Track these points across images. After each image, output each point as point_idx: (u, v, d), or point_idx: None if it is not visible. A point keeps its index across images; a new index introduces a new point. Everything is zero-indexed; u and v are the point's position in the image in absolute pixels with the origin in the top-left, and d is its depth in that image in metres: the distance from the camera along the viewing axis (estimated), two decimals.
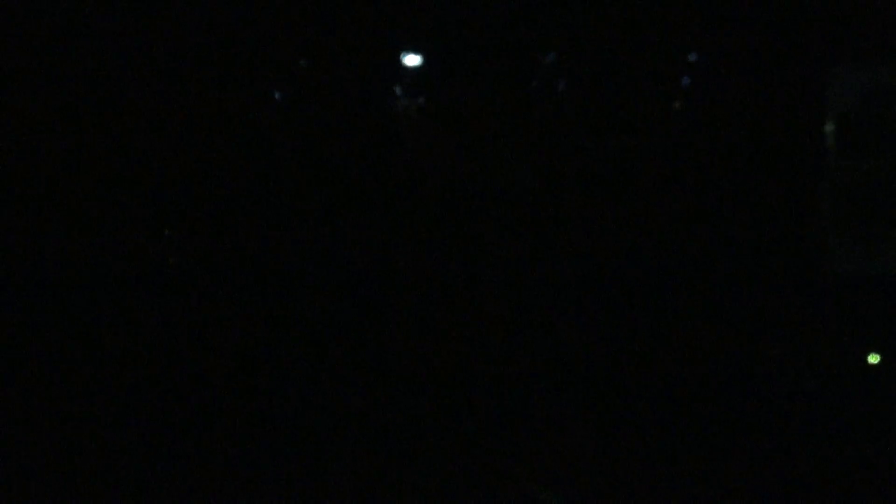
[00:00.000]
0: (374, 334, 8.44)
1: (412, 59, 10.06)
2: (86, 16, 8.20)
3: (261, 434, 7.52)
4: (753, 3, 7.93)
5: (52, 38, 8.36)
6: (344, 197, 9.40)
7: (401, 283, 8.61)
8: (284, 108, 9.61)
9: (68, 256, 8.20)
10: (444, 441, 7.60)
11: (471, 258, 8.84)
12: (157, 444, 7.37)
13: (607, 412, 8.70)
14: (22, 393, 7.86)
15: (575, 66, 9.85)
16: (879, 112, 7.29)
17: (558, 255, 8.73)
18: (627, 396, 8.91)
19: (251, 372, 8.25)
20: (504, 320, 8.72)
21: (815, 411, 7.52)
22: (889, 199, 7.27)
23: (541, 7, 9.50)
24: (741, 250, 9.63)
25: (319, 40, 9.80)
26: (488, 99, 10.13)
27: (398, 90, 10.24)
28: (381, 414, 8.05)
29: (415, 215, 8.86)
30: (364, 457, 7.37)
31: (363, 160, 9.77)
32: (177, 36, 8.64)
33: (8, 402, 7.78)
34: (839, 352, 7.28)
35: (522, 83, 9.98)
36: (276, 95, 9.65)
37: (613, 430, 7.98)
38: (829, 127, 7.36)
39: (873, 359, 7.18)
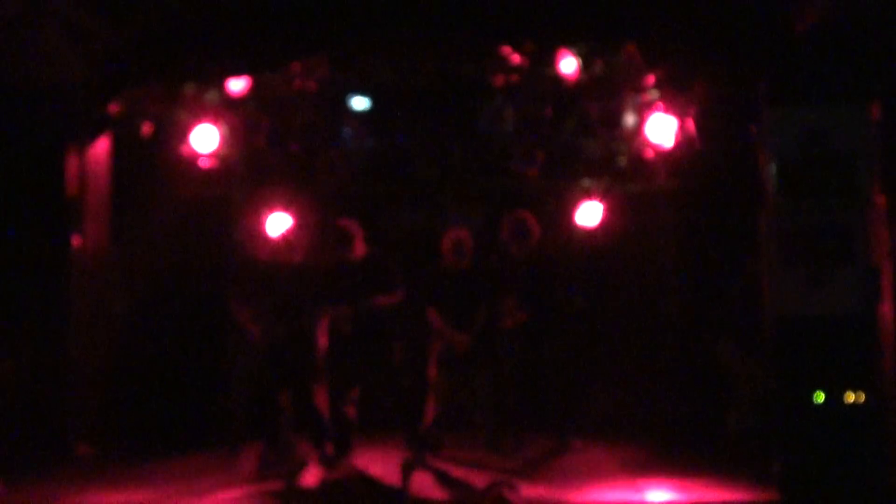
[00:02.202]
0: None
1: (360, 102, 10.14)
2: None
3: None
4: (697, 46, 8.04)
5: None
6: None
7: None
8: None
9: None
10: None
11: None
12: None
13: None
14: None
15: (526, 111, 9.98)
16: (819, 154, 7.39)
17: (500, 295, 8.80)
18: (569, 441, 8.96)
19: None
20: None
21: (763, 447, 7.59)
22: (830, 240, 7.34)
23: (490, 51, 9.59)
24: (687, 292, 9.72)
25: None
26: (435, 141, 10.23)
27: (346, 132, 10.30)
28: None
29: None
30: None
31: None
32: None
33: None
34: (784, 390, 7.32)
35: (470, 124, 10.08)
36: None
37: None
38: (771, 170, 7.44)
39: (818, 397, 7.22)
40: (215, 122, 9.73)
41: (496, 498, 5.91)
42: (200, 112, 9.73)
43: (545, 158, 9.89)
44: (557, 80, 9.60)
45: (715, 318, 8.78)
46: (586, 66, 9.49)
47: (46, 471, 8.27)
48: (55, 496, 7.59)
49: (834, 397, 7.19)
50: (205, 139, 9.69)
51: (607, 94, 9.61)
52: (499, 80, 9.75)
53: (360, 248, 8.51)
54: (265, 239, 9.16)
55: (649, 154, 9.58)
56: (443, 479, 7.89)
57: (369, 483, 7.91)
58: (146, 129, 9.81)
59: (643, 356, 9.85)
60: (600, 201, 9.78)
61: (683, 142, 9.26)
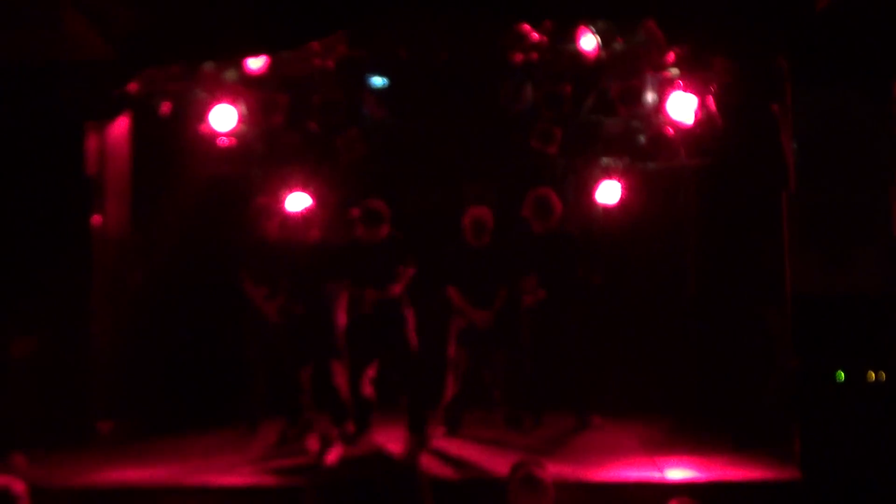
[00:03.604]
0: None
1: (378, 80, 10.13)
2: None
3: None
4: (717, 22, 7.98)
5: None
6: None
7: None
8: None
9: None
10: None
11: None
12: None
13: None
14: None
15: (545, 88, 9.92)
16: (840, 133, 7.35)
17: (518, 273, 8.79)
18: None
19: None
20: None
21: (784, 425, 7.59)
22: (851, 219, 7.32)
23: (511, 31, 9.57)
24: (708, 272, 9.67)
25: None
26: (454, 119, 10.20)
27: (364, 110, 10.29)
28: None
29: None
30: None
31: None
32: None
33: None
34: (805, 369, 7.31)
35: (489, 102, 10.03)
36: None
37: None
38: (794, 150, 7.40)
39: (840, 377, 7.22)
40: (234, 100, 9.75)
41: (525, 476, 5.91)
42: (219, 91, 9.75)
43: (564, 136, 9.86)
44: (577, 57, 9.57)
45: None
46: (606, 43, 9.47)
47: (68, 447, 8.34)
48: (77, 472, 7.65)
49: (855, 376, 7.18)
50: (223, 118, 9.71)
51: (627, 71, 9.58)
52: (518, 58, 9.72)
53: (385, 230, 8.53)
54: (278, 217, 9.18)
55: (670, 132, 9.53)
56: (461, 457, 7.92)
57: (389, 461, 7.94)
58: (165, 108, 9.85)
59: (663, 333, 9.82)
60: (620, 179, 9.75)
61: (704, 119, 9.21)
